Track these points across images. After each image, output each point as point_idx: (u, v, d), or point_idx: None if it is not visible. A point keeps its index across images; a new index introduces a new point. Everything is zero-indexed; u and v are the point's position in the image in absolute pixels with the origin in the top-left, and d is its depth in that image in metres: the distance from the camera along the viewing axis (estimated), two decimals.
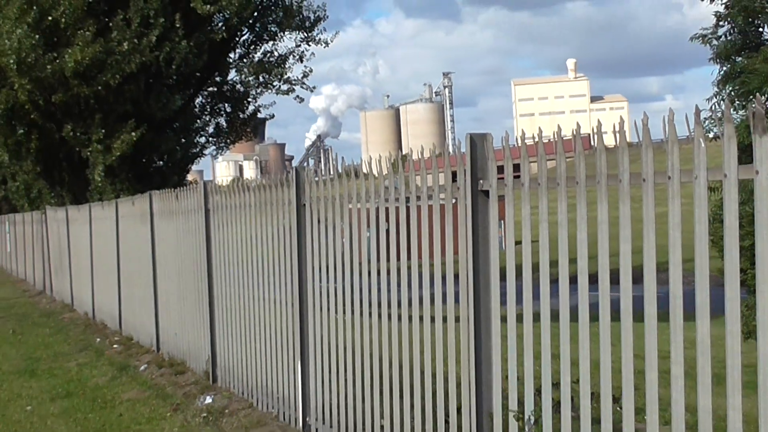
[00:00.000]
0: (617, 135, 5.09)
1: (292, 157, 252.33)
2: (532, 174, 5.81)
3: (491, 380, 6.24)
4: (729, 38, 14.90)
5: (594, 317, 5.31)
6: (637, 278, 4.95)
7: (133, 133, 24.24)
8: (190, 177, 31.79)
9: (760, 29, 14.92)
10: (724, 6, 14.83)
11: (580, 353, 5.39)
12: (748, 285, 4.70)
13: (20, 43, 22.78)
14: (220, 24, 26.33)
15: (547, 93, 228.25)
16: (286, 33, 28.31)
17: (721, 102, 14.30)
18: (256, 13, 27.41)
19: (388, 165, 7.58)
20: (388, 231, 7.62)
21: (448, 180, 6.71)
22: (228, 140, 30.64)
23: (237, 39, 28.07)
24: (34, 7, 22.98)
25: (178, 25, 24.31)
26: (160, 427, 10.34)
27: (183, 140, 28.02)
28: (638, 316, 4.98)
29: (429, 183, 7.02)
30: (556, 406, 5.62)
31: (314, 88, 30.88)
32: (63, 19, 23.20)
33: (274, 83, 28.69)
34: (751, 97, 4.12)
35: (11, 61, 22.97)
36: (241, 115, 29.94)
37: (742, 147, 4.32)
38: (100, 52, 23.10)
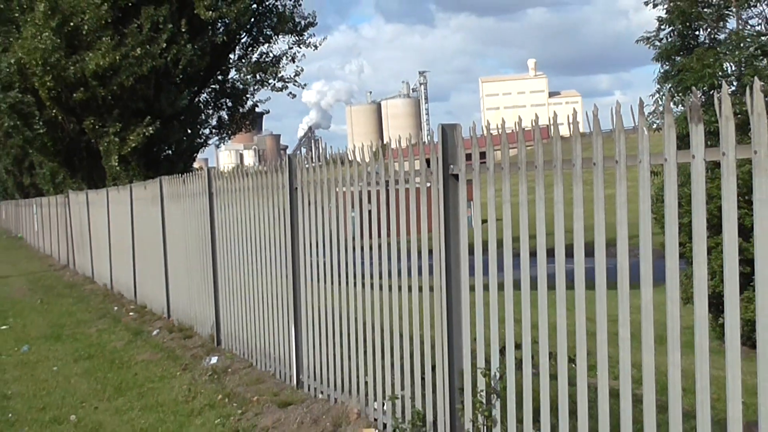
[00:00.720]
0: (571, 125, 5.09)
1: (286, 147, 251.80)
2: (497, 160, 5.80)
3: (461, 342, 6.25)
4: (669, 40, 14.93)
5: (551, 286, 5.32)
6: (589, 252, 4.97)
7: (149, 128, 24.30)
8: (196, 164, 31.73)
9: (696, 32, 14.95)
10: (665, 12, 14.87)
11: (539, 318, 5.40)
12: (686, 257, 4.72)
13: (45, 44, 22.76)
14: (221, 29, 26.32)
15: (510, 89, 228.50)
16: (280, 36, 28.36)
17: (663, 97, 14.35)
18: (253, 19, 27.42)
19: (370, 153, 7.57)
20: (370, 211, 7.62)
21: (423, 166, 6.70)
22: (229, 132, 30.65)
23: (236, 42, 28.04)
24: (57, 14, 22.95)
25: (183, 30, 24.33)
26: (170, 384, 10.34)
27: (189, 132, 28.02)
28: (590, 284, 4.99)
29: (406, 168, 7.01)
30: (519, 364, 5.64)
31: (305, 85, 30.91)
32: (85, 26, 23.15)
33: (270, 81, 28.74)
34: (689, 92, 4.13)
35: (36, 59, 22.94)
36: (240, 110, 29.96)
37: (680, 137, 4.32)
38: (118, 58, 23.13)
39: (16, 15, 24.34)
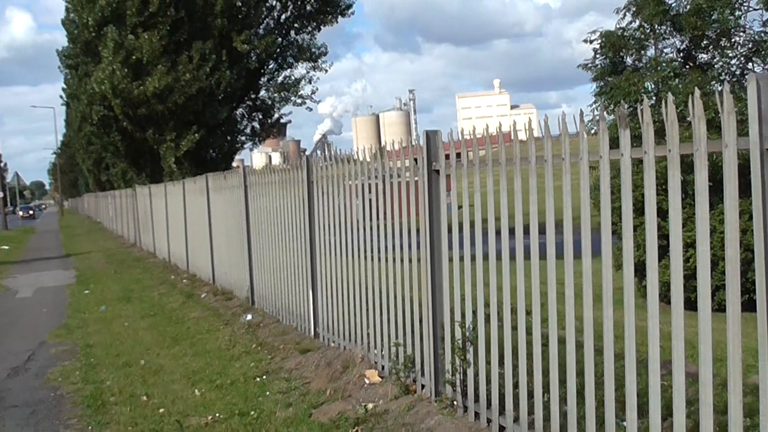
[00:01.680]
0: (527, 131, 5.09)
1: (305, 149, 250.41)
2: (470, 158, 5.80)
3: (442, 301, 6.25)
4: (602, 65, 15.01)
5: (512, 257, 5.33)
6: (542, 230, 4.97)
7: (196, 135, 24.64)
8: (234, 164, 31.73)
9: (624, 59, 15.03)
10: (599, 45, 14.95)
11: (503, 282, 5.41)
12: (617, 233, 4.72)
13: (113, 73, 22.99)
14: (253, 57, 26.37)
15: (480, 103, 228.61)
16: (299, 63, 28.42)
17: (598, 108, 14.41)
18: (278, 50, 27.52)
19: (371, 154, 7.56)
20: (371, 200, 7.61)
21: (411, 163, 6.70)
22: (260, 138, 30.72)
23: (265, 68, 28.10)
24: (123, 49, 23.13)
25: (224, 59, 24.44)
26: (215, 336, 10.36)
27: (229, 139, 28.09)
28: (542, 255, 5.00)
29: (399, 166, 7.01)
30: (487, 318, 5.65)
31: (319, 101, 31.04)
32: (145, 58, 23.31)
33: (291, 98, 28.88)
34: (618, 104, 4.13)
35: (106, 85, 23.19)
36: (269, 121, 30.02)
37: (612, 139, 4.32)
38: (171, 81, 23.31)
39: (99, 48, 24.41)
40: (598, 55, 15.11)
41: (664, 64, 14.30)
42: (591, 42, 15.06)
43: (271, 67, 28.45)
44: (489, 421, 5.56)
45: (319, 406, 6.73)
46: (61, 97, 38.09)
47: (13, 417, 7.22)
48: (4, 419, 7.17)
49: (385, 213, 7.31)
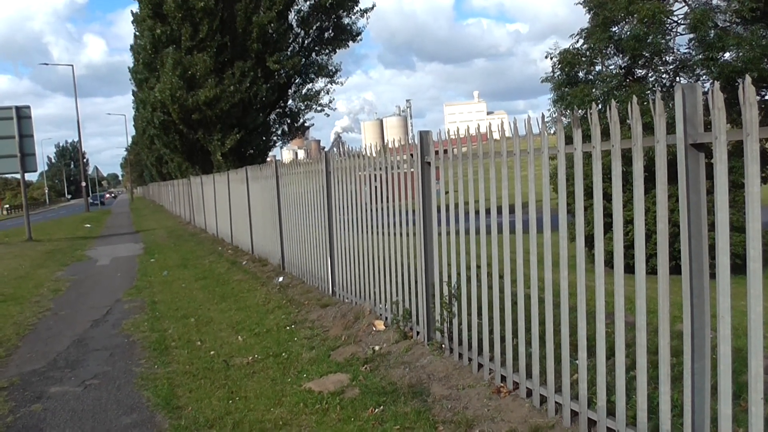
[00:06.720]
0: (500, 131, 5.07)
1: (324, 147, 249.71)
2: (455, 153, 5.79)
3: (433, 266, 6.26)
4: (560, 79, 14.91)
5: (488, 232, 5.32)
6: (512, 210, 4.96)
7: (237, 135, 24.73)
8: (268, 159, 31.69)
9: (577, 73, 14.92)
10: (558, 62, 14.84)
11: (482, 251, 5.41)
12: (571, 212, 4.72)
13: (172, 85, 23.18)
14: (282, 74, 26.30)
15: (462, 110, 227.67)
16: (319, 78, 28.32)
17: (556, 113, 14.35)
18: (302, 68, 27.45)
19: (376, 150, 7.55)
20: (376, 187, 7.61)
21: (408, 158, 6.69)
22: (289, 138, 30.60)
23: (292, 82, 27.99)
24: (180, 66, 23.29)
25: (260, 76, 24.47)
26: (254, 294, 10.38)
27: (264, 139, 28.06)
28: (512, 230, 4.99)
29: (398, 159, 6.99)
30: (468, 279, 5.66)
31: (335, 109, 30.82)
32: (198, 73, 23.45)
33: (313, 107, 28.76)
34: (572, 110, 4.12)
35: (167, 95, 23.40)
36: (296, 125, 29.88)
37: (567, 137, 4.31)
38: (218, 92, 23.50)
39: (158, 66, 24.64)
40: (556, 70, 15.03)
41: (609, 78, 14.22)
42: (552, 58, 14.99)
43: (297, 81, 28.31)
44: (470, 360, 5.59)
45: (336, 349, 6.76)
46: (133, 102, 38.20)
47: (96, 358, 7.27)
48: (89, 359, 7.21)
49: (387, 197, 7.30)
